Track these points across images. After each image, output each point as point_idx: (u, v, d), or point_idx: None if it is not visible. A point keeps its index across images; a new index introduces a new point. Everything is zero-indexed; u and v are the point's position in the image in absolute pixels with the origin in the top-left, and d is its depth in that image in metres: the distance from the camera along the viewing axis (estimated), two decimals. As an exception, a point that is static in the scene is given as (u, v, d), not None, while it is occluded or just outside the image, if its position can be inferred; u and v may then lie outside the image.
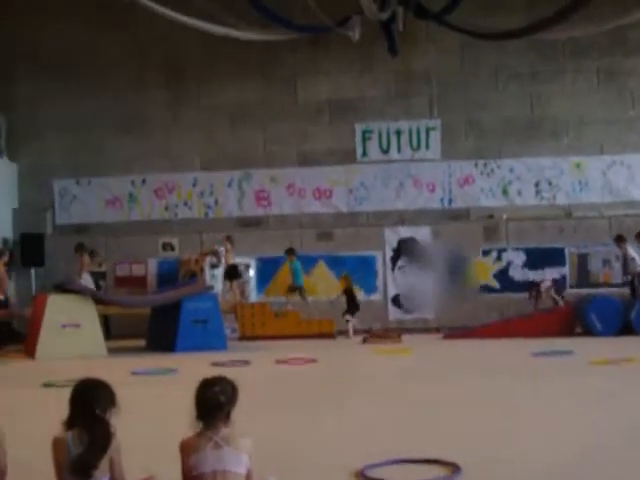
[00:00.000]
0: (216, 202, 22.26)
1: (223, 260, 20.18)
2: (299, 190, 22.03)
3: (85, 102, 22.74)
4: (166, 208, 22.45)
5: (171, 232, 22.05)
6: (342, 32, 19.49)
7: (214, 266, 20.17)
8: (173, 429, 7.11)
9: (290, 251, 20.28)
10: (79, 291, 16.77)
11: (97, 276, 20.72)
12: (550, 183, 21.58)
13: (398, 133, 22.02)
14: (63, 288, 17.04)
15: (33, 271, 22.15)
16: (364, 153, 22.05)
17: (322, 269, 20.97)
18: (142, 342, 18.09)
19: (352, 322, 19.41)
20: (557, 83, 21.92)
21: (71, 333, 15.89)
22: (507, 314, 20.17)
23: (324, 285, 21.16)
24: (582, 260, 21.27)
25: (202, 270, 19.71)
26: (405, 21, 20.03)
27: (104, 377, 4.90)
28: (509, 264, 21.27)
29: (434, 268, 21.33)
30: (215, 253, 20.12)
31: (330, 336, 18.85)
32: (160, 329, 17.46)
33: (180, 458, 4.53)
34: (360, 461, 6.02)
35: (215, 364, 13.10)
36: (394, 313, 21.50)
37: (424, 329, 20.51)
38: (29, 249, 21.83)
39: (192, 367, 13.16)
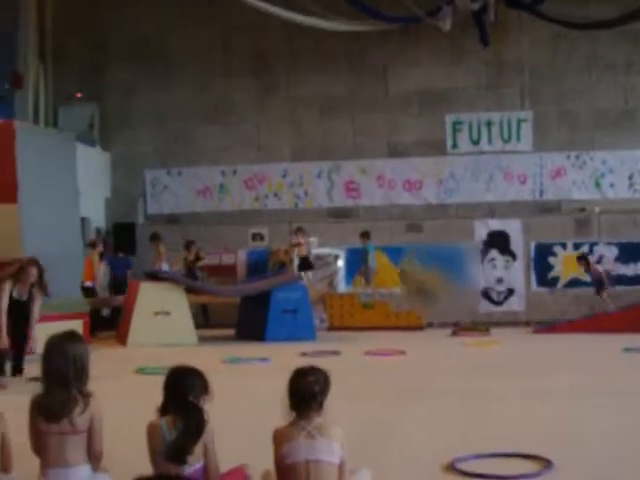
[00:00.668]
0: (306, 193, 22.32)
1: (296, 252, 20.18)
2: (389, 181, 21.96)
3: (176, 92, 23.00)
4: (256, 199, 22.58)
5: (261, 222, 22.18)
6: (433, 22, 19.39)
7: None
8: (264, 418, 7.17)
9: (365, 234, 20.17)
10: (171, 279, 16.99)
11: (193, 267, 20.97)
12: (644, 176, 21.23)
13: (489, 124, 21.81)
14: (155, 276, 17.30)
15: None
16: (454, 144, 21.89)
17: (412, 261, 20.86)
18: (232, 331, 18.26)
19: None
20: (652, 74, 21.52)
21: (162, 321, 16.10)
22: (598, 309, 19.85)
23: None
24: (677, 255, 20.89)
25: (291, 260, 19.76)
26: (497, 11, 19.85)
27: (195, 365, 4.97)
28: (601, 258, 20.92)
29: (524, 261, 21.10)
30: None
31: (419, 328, 18.80)
32: (250, 319, 17.59)
33: (273, 447, 4.56)
34: (449, 454, 6.01)
35: (304, 354, 13.14)
36: (483, 306, 21.33)
37: (513, 322, 20.31)
38: (121, 238, 22.16)
39: (281, 357, 13.27)
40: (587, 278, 19.81)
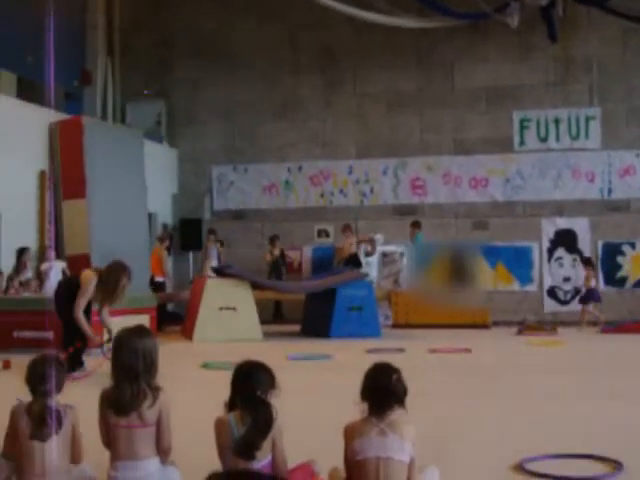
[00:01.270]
0: (371, 190, 22.29)
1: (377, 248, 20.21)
2: (455, 179, 21.86)
3: (242, 88, 23.12)
4: (322, 195, 22.62)
5: (326, 219, 22.22)
6: (500, 18, 19.27)
7: (369, 254, 20.22)
8: (330, 414, 7.17)
9: (415, 223, 20.05)
10: (236, 275, 17.06)
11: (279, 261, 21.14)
12: None
13: (557, 122, 21.58)
14: (221, 272, 17.39)
15: (191, 255, 22.67)
16: (522, 142, 21.71)
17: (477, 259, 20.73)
18: (297, 327, 18.31)
19: None
20: None
21: (228, 316, 16.18)
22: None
23: (479, 275, 20.98)
24: None
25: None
26: (565, 7, 19.69)
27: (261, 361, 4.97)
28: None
29: (592, 260, 20.86)
30: (370, 241, 20.15)
31: (484, 326, 18.67)
32: (315, 315, 17.61)
33: (344, 442, 4.54)
34: (517, 453, 5.95)
35: (370, 351, 13.14)
36: (549, 305, 21.15)
37: (580, 322, 20.07)
38: (188, 234, 22.35)
39: (347, 353, 13.28)
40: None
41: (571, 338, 16.29)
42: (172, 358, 12.43)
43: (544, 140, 21.57)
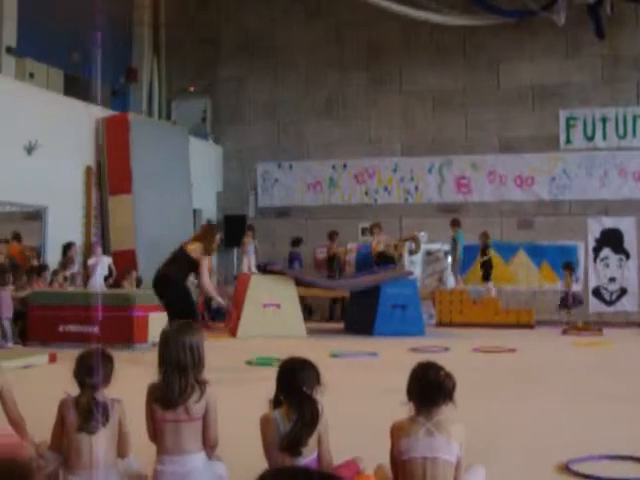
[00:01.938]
0: (416, 188, 22.24)
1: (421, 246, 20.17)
2: (500, 177, 21.74)
3: (287, 86, 23.19)
4: (366, 193, 22.61)
5: (370, 217, 22.18)
6: (547, 16, 19.16)
7: (413, 252, 20.18)
8: (375, 412, 7.16)
9: (455, 222, 19.93)
10: (280, 272, 17.10)
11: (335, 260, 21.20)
12: None
13: (604, 120, 21.38)
14: (265, 269, 17.44)
15: (235, 251, 22.75)
16: (568, 140, 21.53)
17: (522, 258, 20.61)
18: (341, 325, 18.34)
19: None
20: None
21: (272, 313, 16.23)
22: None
23: (524, 274, 20.87)
24: None
25: (401, 255, 19.73)
26: (613, 4, 19.54)
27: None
28: None
29: (638, 260, 20.67)
30: (414, 239, 20.09)
31: (529, 326, 18.57)
32: (359, 313, 17.61)
33: (390, 441, 4.52)
34: (562, 454, 5.90)
35: (414, 349, 13.13)
36: (595, 305, 20.98)
37: (625, 323, 19.92)
38: (232, 230, 22.42)
39: (391, 352, 13.26)
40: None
41: (617, 339, 16.15)
42: (216, 354, 12.47)
43: (591, 139, 21.38)
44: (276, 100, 23.33)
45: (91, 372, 4.86)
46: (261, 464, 4.60)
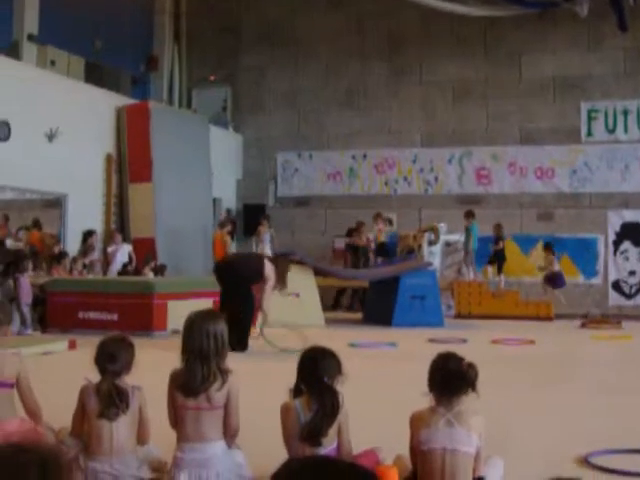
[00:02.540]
0: (436, 179, 22.20)
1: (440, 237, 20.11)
2: (520, 169, 21.66)
3: (307, 75, 23.17)
4: (386, 183, 22.59)
5: (390, 207, 22.16)
6: (570, 7, 19.05)
7: (432, 243, 20.10)
8: (394, 402, 7.16)
9: (469, 213, 19.81)
10: (299, 261, 17.08)
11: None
12: None
13: (625, 113, 21.26)
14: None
15: (254, 240, 22.75)
16: (589, 133, 21.43)
17: (541, 250, 20.47)
18: (359, 315, 18.33)
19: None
20: None
21: (291, 302, 16.21)
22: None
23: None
24: None
25: (420, 246, 19.68)
26: (636, -4, 19.39)
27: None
28: None
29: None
30: (434, 230, 20.02)
31: (547, 318, 18.50)
32: (378, 303, 17.59)
33: (410, 431, 4.52)
34: (582, 447, 5.88)
35: (432, 340, 13.11)
36: (614, 299, 20.90)
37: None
38: (251, 219, 22.42)
39: (409, 342, 13.25)
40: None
41: (636, 332, 16.05)
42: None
43: (612, 131, 21.26)
44: (297, 89, 23.32)
45: (112, 359, 4.88)
46: (280, 453, 4.60)
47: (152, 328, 13.79)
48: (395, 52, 22.67)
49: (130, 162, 19.24)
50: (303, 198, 23.17)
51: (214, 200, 21.68)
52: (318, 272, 17.15)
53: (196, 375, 4.69)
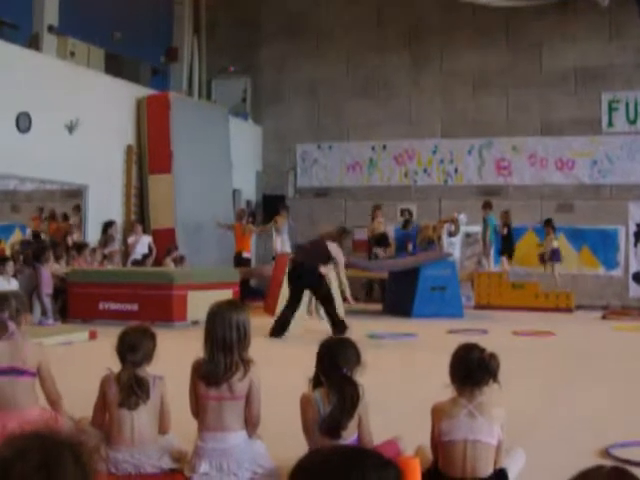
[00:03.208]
0: (456, 170, 22.12)
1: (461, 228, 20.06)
2: (541, 160, 21.55)
3: (327, 66, 23.11)
4: (405, 174, 22.53)
5: (410, 198, 22.12)
6: (591, -3, 18.96)
7: (452, 234, 20.05)
8: (414, 392, 7.15)
9: (487, 204, 19.70)
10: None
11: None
12: None
13: (646, 103, 21.13)
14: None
15: (273, 228, 22.73)
16: (610, 123, 21.28)
17: (561, 241, 20.37)
18: (379, 306, 18.33)
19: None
20: None
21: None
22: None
23: (563, 258, 20.71)
24: None
25: (440, 237, 19.64)
26: (658, -14, 19.25)
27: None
28: None
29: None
30: (454, 221, 19.96)
31: (568, 310, 18.44)
32: (398, 294, 17.59)
33: (431, 422, 4.51)
34: (603, 439, 5.87)
35: (452, 331, 13.10)
36: (635, 290, 20.79)
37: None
38: (270, 210, 22.40)
39: (429, 333, 13.23)
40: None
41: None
42: (254, 334, 12.50)
43: (633, 122, 21.11)
44: (316, 80, 23.27)
45: (133, 349, 4.89)
46: (301, 444, 4.61)
47: (172, 319, 13.83)
48: (415, 42, 22.59)
49: (150, 153, 19.26)
50: (323, 189, 23.16)
51: (234, 191, 21.69)
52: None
53: (219, 365, 4.70)
